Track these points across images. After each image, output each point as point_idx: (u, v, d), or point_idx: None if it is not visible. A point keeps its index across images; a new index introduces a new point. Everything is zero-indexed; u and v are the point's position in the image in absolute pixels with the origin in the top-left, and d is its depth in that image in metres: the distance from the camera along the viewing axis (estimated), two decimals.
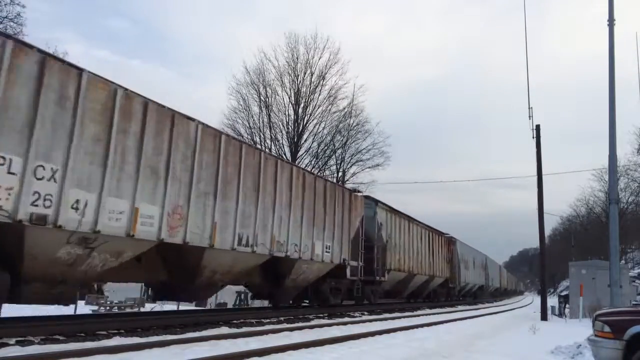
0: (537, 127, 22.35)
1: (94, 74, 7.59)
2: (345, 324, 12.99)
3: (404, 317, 17.19)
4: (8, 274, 6.89)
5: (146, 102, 8.48)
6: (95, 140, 7.55)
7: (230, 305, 24.39)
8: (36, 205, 6.69)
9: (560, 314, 25.23)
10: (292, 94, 34.42)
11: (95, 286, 21.35)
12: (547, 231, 56.12)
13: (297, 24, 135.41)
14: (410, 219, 23.74)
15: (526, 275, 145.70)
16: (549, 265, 38.21)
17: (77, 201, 7.24)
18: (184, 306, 18.88)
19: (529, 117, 20.46)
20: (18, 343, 6.85)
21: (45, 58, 6.94)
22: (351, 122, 35.36)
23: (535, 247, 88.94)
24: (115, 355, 6.35)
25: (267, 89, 34.31)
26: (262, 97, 34.22)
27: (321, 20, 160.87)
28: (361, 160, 35.93)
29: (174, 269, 10.26)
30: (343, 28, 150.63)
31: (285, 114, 34.54)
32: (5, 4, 23.08)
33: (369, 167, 35.94)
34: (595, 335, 6.68)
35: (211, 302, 23.89)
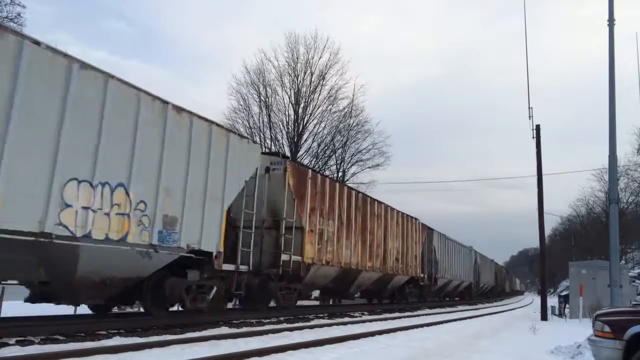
0: (537, 127, 22.35)
1: None
2: (345, 323, 13.03)
3: (404, 317, 17.26)
4: None
5: None
6: None
7: None
8: None
9: (560, 314, 25.21)
10: (292, 94, 34.40)
11: None
12: (547, 231, 55.99)
13: (296, 24, 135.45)
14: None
15: (526, 275, 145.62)
16: (549, 265, 38.19)
17: None
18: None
19: (529, 117, 20.46)
20: (18, 343, 6.86)
21: None
22: (351, 122, 35.27)
23: (535, 247, 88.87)
24: (115, 355, 6.36)
25: (267, 89, 34.30)
26: (262, 97, 34.21)
27: (321, 20, 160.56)
28: (361, 160, 35.87)
29: None
30: (343, 28, 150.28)
31: (285, 114, 34.53)
32: (5, 4, 23.08)
33: (369, 167, 35.86)
34: (595, 335, 6.67)
35: None
